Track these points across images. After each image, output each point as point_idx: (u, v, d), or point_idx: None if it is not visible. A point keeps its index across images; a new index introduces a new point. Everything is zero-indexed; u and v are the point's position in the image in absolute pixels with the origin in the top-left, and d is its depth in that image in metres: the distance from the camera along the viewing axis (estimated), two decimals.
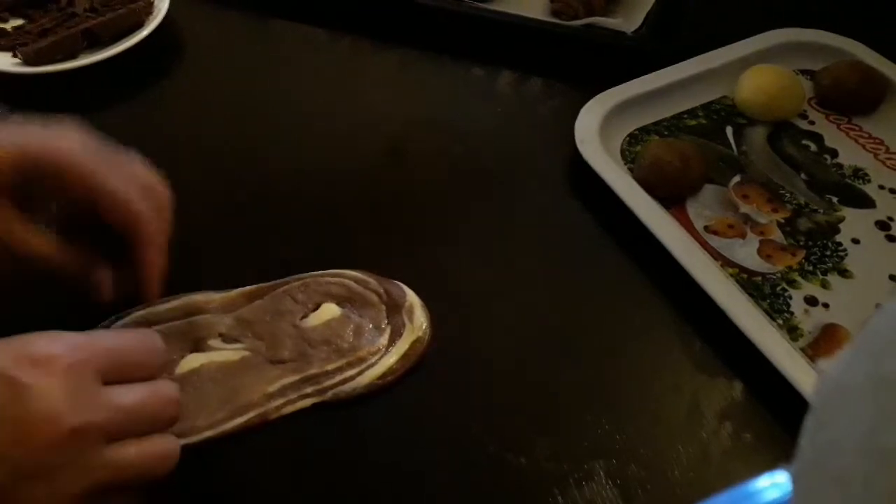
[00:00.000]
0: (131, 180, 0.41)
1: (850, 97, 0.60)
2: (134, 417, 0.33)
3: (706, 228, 0.52)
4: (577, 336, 0.47)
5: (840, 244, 0.52)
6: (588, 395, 0.44)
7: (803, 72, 0.63)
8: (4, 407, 0.30)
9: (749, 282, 0.49)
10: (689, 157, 0.53)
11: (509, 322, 0.48)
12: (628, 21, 0.65)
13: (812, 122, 0.60)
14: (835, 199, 0.54)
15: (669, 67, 0.60)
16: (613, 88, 0.58)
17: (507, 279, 0.50)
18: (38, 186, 0.40)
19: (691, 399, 0.44)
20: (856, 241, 0.52)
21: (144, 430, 0.34)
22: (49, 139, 0.40)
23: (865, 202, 0.54)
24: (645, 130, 0.58)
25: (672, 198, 0.53)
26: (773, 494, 0.40)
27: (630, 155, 0.56)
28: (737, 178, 0.56)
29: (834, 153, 0.58)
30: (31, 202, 0.41)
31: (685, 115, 0.60)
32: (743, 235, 0.52)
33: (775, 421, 0.43)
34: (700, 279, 0.47)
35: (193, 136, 0.59)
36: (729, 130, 0.59)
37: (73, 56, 0.61)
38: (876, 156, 0.57)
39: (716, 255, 0.50)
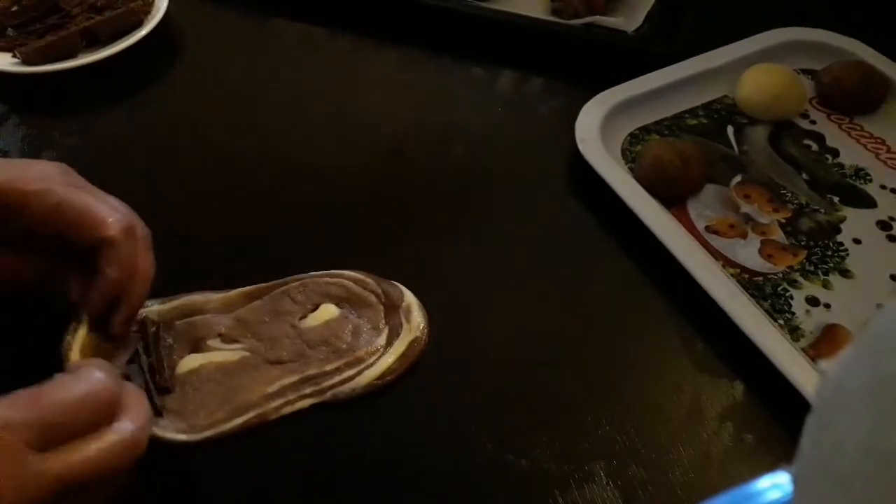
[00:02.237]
0: (100, 200, 0.41)
1: (851, 97, 0.59)
2: (76, 481, 0.31)
3: (707, 228, 0.52)
4: (578, 336, 0.47)
5: (841, 244, 0.51)
6: (588, 396, 0.44)
7: (804, 71, 0.63)
8: None
9: (750, 282, 0.49)
10: (689, 156, 0.53)
11: (509, 322, 0.48)
12: (629, 20, 0.65)
13: (813, 122, 0.60)
14: (836, 199, 0.54)
15: (670, 67, 0.60)
16: (614, 88, 0.58)
17: (506, 279, 0.50)
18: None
19: (692, 399, 0.44)
20: (857, 241, 0.52)
21: (82, 428, 0.32)
22: (10, 171, 0.39)
23: (867, 202, 0.54)
24: (646, 130, 0.58)
25: (673, 198, 0.53)
26: (775, 495, 0.39)
27: (631, 154, 0.56)
28: (738, 178, 0.55)
29: (835, 153, 0.57)
30: None
31: (686, 115, 0.59)
32: (744, 235, 0.52)
33: (776, 422, 0.43)
34: (701, 279, 0.47)
35: (192, 135, 0.59)
36: (730, 130, 0.59)
37: (72, 55, 0.61)
38: (877, 155, 0.57)
39: (717, 255, 0.50)
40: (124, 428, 0.33)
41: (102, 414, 0.33)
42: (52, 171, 0.41)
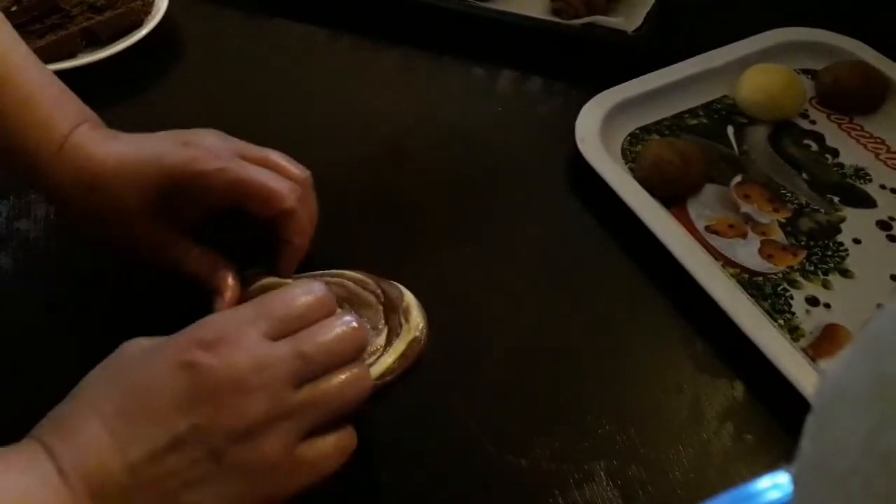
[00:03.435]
0: (275, 164, 0.44)
1: (851, 96, 0.60)
2: (316, 357, 0.35)
3: (707, 228, 0.52)
4: (577, 336, 0.47)
5: (841, 244, 0.51)
6: (588, 396, 0.44)
7: (804, 71, 0.63)
8: (196, 388, 0.33)
9: (750, 282, 0.49)
10: (689, 156, 0.53)
11: (509, 322, 0.48)
12: (629, 20, 0.65)
13: (813, 122, 0.60)
14: (836, 199, 0.54)
15: (670, 67, 0.60)
16: (614, 88, 0.58)
17: (506, 279, 0.50)
18: (180, 198, 0.43)
19: (692, 399, 0.44)
20: (857, 241, 0.52)
21: (330, 365, 0.35)
22: (185, 150, 0.42)
23: (866, 202, 0.54)
24: (646, 130, 0.58)
25: (673, 197, 0.53)
26: (775, 495, 0.39)
27: (631, 154, 0.56)
28: (738, 178, 0.55)
29: (835, 153, 0.57)
30: (171, 210, 0.43)
31: (686, 115, 0.59)
32: (744, 235, 0.52)
33: (776, 422, 0.43)
34: (701, 279, 0.47)
35: None
36: (730, 130, 0.59)
37: (71, 55, 0.61)
38: (877, 155, 0.57)
39: (717, 255, 0.50)
40: (359, 364, 0.37)
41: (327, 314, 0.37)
42: (220, 144, 0.43)
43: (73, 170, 0.42)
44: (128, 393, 0.33)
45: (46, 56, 0.60)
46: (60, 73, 0.59)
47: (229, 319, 0.36)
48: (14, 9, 0.64)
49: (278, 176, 0.44)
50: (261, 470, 0.33)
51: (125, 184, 0.42)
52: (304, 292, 0.37)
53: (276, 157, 0.45)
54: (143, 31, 0.62)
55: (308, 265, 0.48)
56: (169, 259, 0.44)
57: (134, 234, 0.43)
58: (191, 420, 0.32)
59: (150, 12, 0.64)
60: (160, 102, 0.62)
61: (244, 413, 0.33)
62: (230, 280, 0.44)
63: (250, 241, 0.45)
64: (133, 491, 0.32)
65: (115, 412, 0.33)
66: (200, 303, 0.48)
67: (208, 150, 0.43)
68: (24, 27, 0.63)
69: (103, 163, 0.42)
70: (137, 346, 0.35)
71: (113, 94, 0.62)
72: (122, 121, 0.60)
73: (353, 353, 0.36)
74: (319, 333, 0.36)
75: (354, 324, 0.37)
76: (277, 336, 0.35)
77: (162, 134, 0.44)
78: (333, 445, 0.35)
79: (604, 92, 0.58)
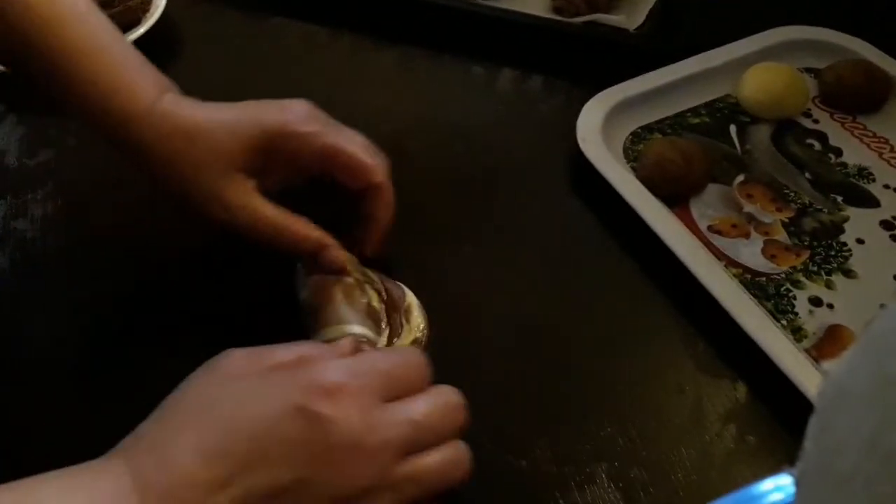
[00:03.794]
0: (362, 143, 0.45)
1: (854, 95, 0.59)
2: (425, 428, 0.34)
3: (710, 228, 0.51)
4: (578, 337, 0.47)
5: (845, 244, 0.51)
6: (590, 397, 0.44)
7: (807, 70, 0.62)
8: (312, 441, 0.31)
9: (753, 282, 0.48)
10: (692, 155, 0.53)
11: (509, 322, 0.47)
12: (630, 18, 0.64)
13: (816, 121, 0.59)
14: (839, 199, 0.54)
15: (672, 65, 0.60)
16: (615, 86, 0.58)
17: (507, 279, 0.50)
18: (272, 159, 0.43)
19: (694, 401, 0.44)
20: (860, 241, 0.51)
21: (435, 439, 0.34)
22: (282, 112, 0.43)
23: (870, 201, 0.54)
24: (647, 129, 0.58)
25: (675, 197, 0.53)
26: (778, 497, 0.39)
27: (633, 153, 0.56)
28: (740, 178, 0.55)
29: (838, 152, 0.57)
30: (263, 174, 0.43)
31: (688, 114, 0.59)
32: (747, 235, 0.51)
33: (779, 423, 0.43)
34: (703, 279, 0.47)
35: None
36: (732, 129, 0.58)
37: None
38: (880, 154, 0.57)
39: (719, 255, 0.50)
40: (461, 442, 0.35)
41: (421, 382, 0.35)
42: (313, 112, 0.44)
43: (170, 126, 0.42)
44: (234, 429, 0.31)
45: None
46: None
47: (348, 367, 0.34)
48: None
49: (369, 150, 0.44)
50: None
51: (224, 136, 0.42)
52: (414, 355, 0.36)
53: (363, 138, 0.45)
54: (141, 30, 0.62)
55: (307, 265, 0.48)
56: (248, 216, 0.43)
57: (221, 184, 0.42)
58: (297, 473, 0.31)
59: (147, 10, 0.64)
60: None
61: (353, 476, 0.32)
62: (330, 239, 0.44)
63: (323, 222, 0.45)
64: None
65: (217, 447, 0.31)
66: (200, 301, 0.47)
67: (304, 115, 0.44)
68: None
69: (203, 118, 0.43)
70: (239, 363, 0.34)
71: None
72: None
73: (456, 428, 0.35)
74: (428, 402, 0.34)
75: (458, 396, 0.36)
76: (385, 398, 0.34)
77: (255, 101, 0.44)
78: None
79: (605, 91, 0.57)
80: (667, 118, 0.58)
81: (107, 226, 0.52)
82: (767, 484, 0.39)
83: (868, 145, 0.57)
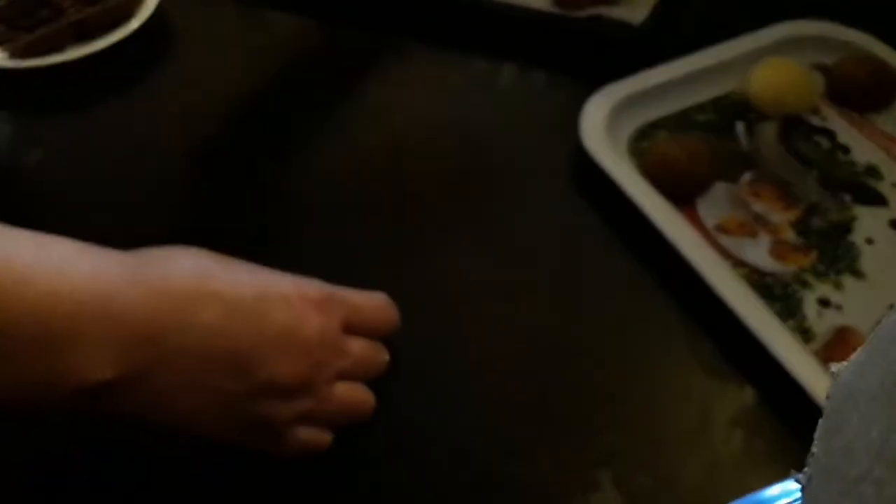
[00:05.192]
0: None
1: (862, 92, 0.58)
2: (358, 366, 0.38)
3: (717, 227, 0.51)
4: (582, 339, 0.46)
5: (853, 244, 0.50)
6: (593, 401, 0.43)
7: (816, 66, 0.61)
8: (286, 324, 0.36)
9: (760, 282, 0.47)
10: (698, 153, 0.52)
11: (510, 324, 0.47)
12: (635, 12, 0.64)
13: (824, 118, 0.58)
14: (848, 198, 0.53)
15: (677, 61, 0.59)
16: (619, 82, 0.57)
17: (508, 279, 0.49)
18: None
19: (700, 405, 0.43)
20: (869, 241, 0.50)
21: (360, 378, 0.39)
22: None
23: (879, 200, 0.53)
24: (652, 126, 0.57)
25: (681, 195, 0.52)
26: (785, 503, 0.38)
27: (637, 151, 0.55)
28: (748, 176, 0.54)
29: (846, 150, 0.56)
30: None
31: (694, 110, 0.58)
32: (754, 234, 0.50)
33: (787, 427, 0.42)
34: (710, 280, 0.46)
35: (184, 131, 0.58)
36: (739, 126, 0.57)
37: (61, 49, 0.60)
38: (889, 152, 0.56)
39: (726, 254, 0.49)
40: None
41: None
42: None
43: None
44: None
45: (35, 51, 0.60)
46: (50, 68, 0.59)
47: (331, 295, 0.38)
48: (3, 4, 0.63)
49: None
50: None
51: None
52: (377, 303, 0.41)
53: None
54: (134, 24, 0.61)
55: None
56: None
57: None
58: (248, 340, 0.35)
59: (141, 4, 0.63)
60: (151, 97, 0.60)
61: (294, 372, 0.35)
62: None
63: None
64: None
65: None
66: None
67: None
68: (14, 22, 0.63)
69: None
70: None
71: (103, 88, 0.61)
72: (112, 115, 0.59)
73: (371, 375, 0.40)
74: (369, 347, 0.40)
75: (386, 357, 0.41)
76: (346, 328, 0.38)
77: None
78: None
79: (609, 86, 0.56)
80: (672, 115, 0.57)
81: (101, 225, 0.51)
82: (776, 490, 0.39)
83: (877, 143, 0.57)
